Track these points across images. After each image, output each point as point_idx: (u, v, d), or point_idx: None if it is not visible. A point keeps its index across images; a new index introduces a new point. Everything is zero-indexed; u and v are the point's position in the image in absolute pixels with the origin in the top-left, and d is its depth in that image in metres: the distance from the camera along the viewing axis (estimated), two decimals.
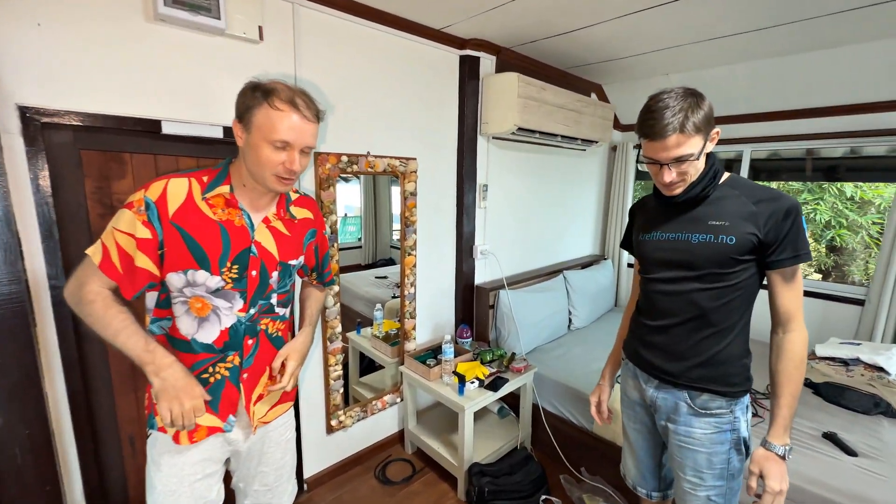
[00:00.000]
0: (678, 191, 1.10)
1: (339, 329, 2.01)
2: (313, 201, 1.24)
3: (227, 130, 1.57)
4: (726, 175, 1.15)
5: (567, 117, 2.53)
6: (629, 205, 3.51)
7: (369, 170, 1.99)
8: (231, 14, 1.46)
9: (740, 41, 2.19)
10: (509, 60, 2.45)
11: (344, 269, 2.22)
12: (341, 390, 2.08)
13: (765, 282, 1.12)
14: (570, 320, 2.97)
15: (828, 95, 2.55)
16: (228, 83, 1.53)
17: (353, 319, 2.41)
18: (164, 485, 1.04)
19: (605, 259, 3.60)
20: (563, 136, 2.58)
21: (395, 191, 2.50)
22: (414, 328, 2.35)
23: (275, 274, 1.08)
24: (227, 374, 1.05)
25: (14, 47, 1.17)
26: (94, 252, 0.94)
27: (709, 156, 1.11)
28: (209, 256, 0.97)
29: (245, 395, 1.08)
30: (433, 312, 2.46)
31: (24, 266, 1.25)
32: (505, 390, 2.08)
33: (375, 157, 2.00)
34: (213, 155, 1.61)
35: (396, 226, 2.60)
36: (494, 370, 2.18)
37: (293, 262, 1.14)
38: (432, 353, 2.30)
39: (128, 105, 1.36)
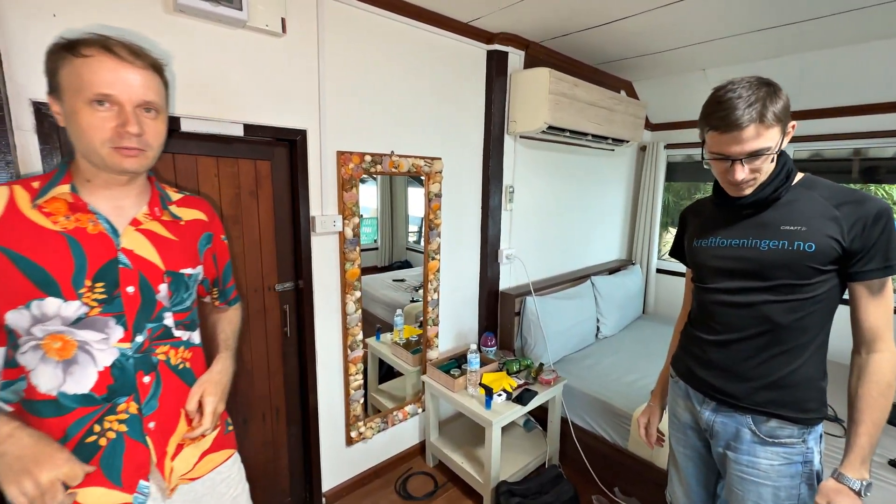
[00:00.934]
0: (748, 191, 0.98)
1: (360, 337, 1.92)
2: (205, 201, 1.03)
3: (249, 128, 1.49)
4: (800, 175, 1.02)
5: (599, 115, 2.40)
6: (659, 207, 3.36)
7: (393, 170, 1.90)
8: (253, 5, 1.38)
9: (784, 33, 2.04)
10: (538, 56, 2.34)
11: (362, 272, 2.14)
12: (361, 401, 1.99)
13: (846, 295, 0.99)
14: (598, 328, 2.84)
15: (881, 91, 2.37)
16: (250, 78, 1.46)
17: (372, 324, 2.32)
18: None
19: (633, 264, 3.45)
20: (593, 136, 2.46)
21: (412, 192, 2.41)
22: (437, 336, 2.25)
23: (163, 287, 0.86)
24: (123, 428, 0.81)
25: (28, 39, 1.10)
26: None
27: (780, 154, 0.99)
28: (56, 278, 0.75)
29: (157, 449, 0.85)
30: (456, 319, 2.36)
31: None
32: (534, 404, 1.96)
33: (399, 156, 1.91)
34: (235, 154, 1.54)
35: (412, 227, 2.51)
36: (522, 382, 2.07)
37: (189, 271, 0.91)
38: (456, 363, 2.20)
39: None
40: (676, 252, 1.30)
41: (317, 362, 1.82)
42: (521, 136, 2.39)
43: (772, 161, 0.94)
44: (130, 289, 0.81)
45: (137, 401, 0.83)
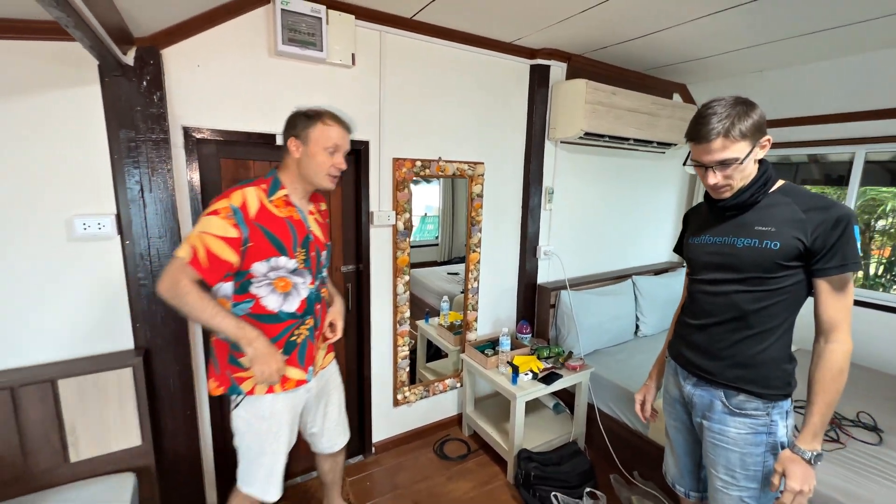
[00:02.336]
0: (726, 195, 1.14)
1: (407, 314, 2.27)
2: (322, 195, 1.52)
3: None
4: (780, 183, 1.15)
5: (640, 121, 2.51)
6: None
7: (440, 173, 2.21)
8: (331, 45, 1.78)
9: (849, 32, 2.01)
10: (581, 66, 2.51)
11: (421, 265, 2.50)
12: (407, 369, 2.34)
13: None
14: (637, 326, 2.92)
15: None
16: (325, 100, 1.85)
17: (423, 310, 2.66)
18: (268, 429, 1.31)
19: (682, 267, 3.43)
20: (635, 140, 2.57)
21: None
22: (476, 320, 2.53)
23: (324, 253, 1.41)
24: (307, 333, 1.36)
25: (182, 83, 1.58)
26: (184, 253, 1.14)
27: (761, 163, 1.13)
28: (285, 245, 1.26)
29: (318, 345, 1.44)
30: (495, 307, 2.62)
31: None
32: (558, 385, 2.17)
33: (445, 161, 2.22)
34: None
35: None
36: (550, 366, 2.28)
37: (329, 244, 1.46)
38: (491, 345, 2.46)
39: (253, 123, 1.73)
40: (679, 248, 1.46)
41: (371, 333, 2.20)
42: (561, 142, 2.58)
43: (747, 168, 1.09)
44: (313, 253, 1.34)
45: (315, 319, 1.39)
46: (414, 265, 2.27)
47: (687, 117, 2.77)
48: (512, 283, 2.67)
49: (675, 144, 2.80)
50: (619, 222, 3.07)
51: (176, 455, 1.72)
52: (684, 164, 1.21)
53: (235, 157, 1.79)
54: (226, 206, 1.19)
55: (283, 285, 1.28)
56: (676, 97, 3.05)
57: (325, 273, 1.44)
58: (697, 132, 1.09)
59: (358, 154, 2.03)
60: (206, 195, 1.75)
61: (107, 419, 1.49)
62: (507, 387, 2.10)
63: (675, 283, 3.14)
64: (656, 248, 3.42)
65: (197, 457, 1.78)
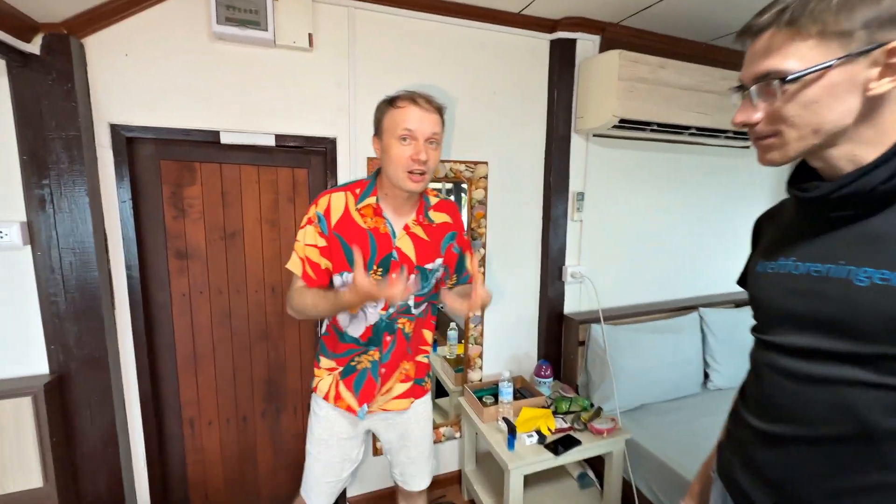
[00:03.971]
0: (775, 158, 0.62)
1: None
2: (453, 205, 1.30)
3: (279, 138, 1.61)
4: None
5: (701, 102, 1.89)
6: None
7: None
8: (280, 25, 1.50)
9: None
10: (619, 39, 1.97)
11: None
12: None
13: None
14: (705, 375, 2.20)
15: None
16: (278, 92, 1.58)
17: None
18: (319, 433, 1.28)
19: None
20: (697, 129, 1.94)
21: None
22: (480, 356, 2.06)
23: (412, 277, 1.18)
24: (368, 365, 1.22)
25: (108, 75, 1.40)
26: (294, 267, 1.17)
27: None
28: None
29: (381, 385, 1.24)
30: (509, 341, 2.12)
31: (108, 258, 1.48)
32: (572, 456, 1.61)
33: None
34: (274, 163, 1.69)
35: None
36: (567, 426, 1.72)
37: (430, 266, 1.21)
38: (496, 388, 1.96)
39: (195, 119, 1.51)
40: (744, 279, 0.89)
41: None
42: (593, 135, 2.04)
43: (830, 104, 0.54)
44: (394, 275, 1.09)
45: (380, 352, 1.22)
46: None
47: None
48: (531, 311, 2.14)
49: None
50: (678, 238, 2.38)
51: (96, 498, 1.50)
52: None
53: (178, 159, 1.58)
54: (314, 213, 1.15)
55: None
56: None
57: (409, 300, 1.21)
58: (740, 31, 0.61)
59: (323, 154, 1.72)
60: (145, 201, 1.55)
61: (1, 455, 1.31)
62: (500, 452, 1.59)
63: None
64: (734, 273, 2.61)
65: (120, 499, 1.54)
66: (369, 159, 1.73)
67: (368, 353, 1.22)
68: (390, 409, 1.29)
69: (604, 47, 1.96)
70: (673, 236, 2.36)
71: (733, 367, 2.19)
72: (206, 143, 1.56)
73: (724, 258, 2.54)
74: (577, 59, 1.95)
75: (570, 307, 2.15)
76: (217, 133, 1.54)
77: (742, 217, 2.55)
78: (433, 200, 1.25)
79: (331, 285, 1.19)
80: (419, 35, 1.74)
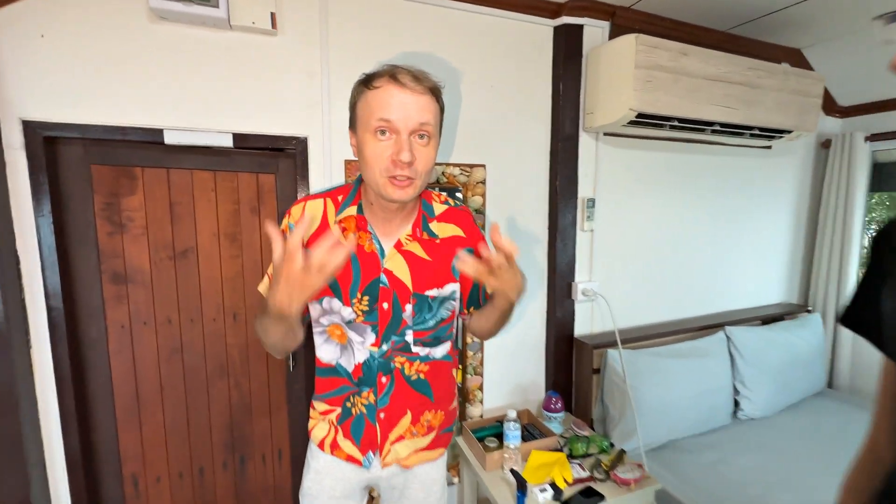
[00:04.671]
0: None
1: None
2: (465, 213, 1.01)
3: (238, 138, 1.36)
4: None
5: (728, 95, 1.66)
6: (857, 229, 2.24)
7: None
8: (235, 2, 1.25)
9: None
10: (630, 25, 1.75)
11: None
12: None
13: None
14: (735, 403, 1.94)
15: None
16: (236, 84, 1.32)
17: None
18: (308, 487, 1.04)
19: (807, 311, 2.35)
20: (721, 125, 1.72)
21: None
22: (480, 387, 1.78)
23: (408, 307, 0.93)
24: (363, 410, 0.98)
25: (19, 59, 1.14)
26: (263, 287, 0.98)
27: None
28: (340, 286, 0.91)
29: (381, 434, 0.99)
30: (512, 369, 1.85)
31: (20, 285, 1.20)
32: None
33: None
34: (234, 167, 1.43)
35: None
36: (586, 475, 1.45)
37: (433, 293, 0.95)
38: (500, 427, 1.69)
39: (132, 114, 1.25)
40: (857, 315, 0.63)
41: None
42: (604, 133, 1.80)
43: None
44: (385, 305, 0.92)
45: (375, 393, 0.96)
46: None
47: (807, 90, 1.85)
48: (536, 335, 1.88)
49: (790, 132, 1.87)
50: (697, 248, 2.14)
51: None
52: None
53: (114, 163, 1.31)
54: (285, 224, 0.94)
55: (339, 335, 0.95)
56: (785, 66, 2.11)
57: (407, 336, 0.95)
58: None
59: (293, 157, 1.46)
60: (72, 216, 1.28)
61: None
62: None
63: (796, 339, 2.10)
64: (765, 286, 2.39)
65: None
66: (347, 162, 1.48)
67: (362, 394, 0.97)
68: (412, 465, 1.03)
69: (613, 34, 1.74)
70: (691, 246, 2.12)
71: (765, 394, 1.94)
72: (147, 144, 1.30)
73: (746, 269, 2.30)
74: (585, 49, 1.72)
75: (580, 329, 1.89)
76: (160, 132, 1.28)
77: (764, 224, 2.32)
78: (438, 209, 0.98)
79: (309, 316, 0.96)
80: (405, 18, 1.50)
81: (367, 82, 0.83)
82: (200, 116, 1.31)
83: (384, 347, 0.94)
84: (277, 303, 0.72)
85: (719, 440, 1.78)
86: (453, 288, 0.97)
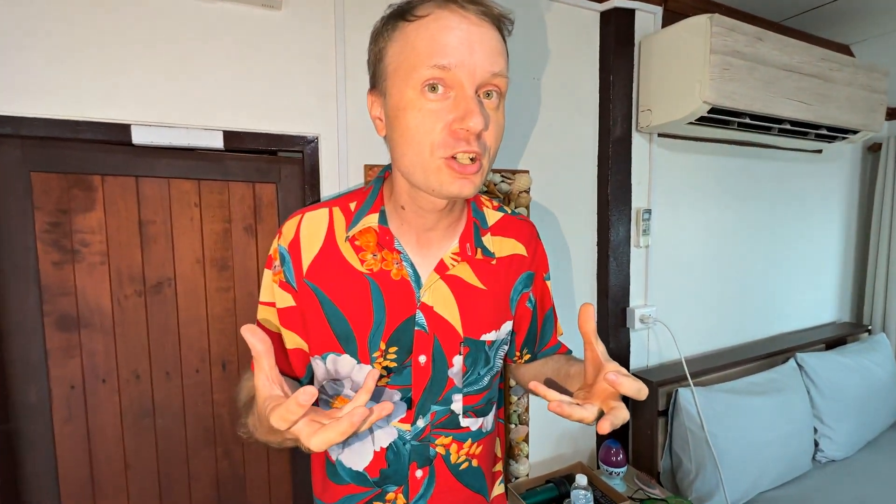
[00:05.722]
0: None
1: None
2: (528, 225, 0.77)
3: (230, 137, 1.06)
4: None
5: (802, 88, 1.45)
6: None
7: None
8: None
9: None
10: (685, 12, 1.53)
11: None
12: None
13: None
14: (815, 444, 1.67)
15: None
16: (229, 69, 1.03)
17: None
18: None
19: (866, 332, 2.13)
20: (792, 123, 1.50)
21: None
22: (526, 439, 1.47)
23: (457, 360, 0.66)
24: None
25: None
26: (261, 316, 0.70)
27: None
28: (355, 333, 0.63)
29: None
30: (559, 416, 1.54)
31: None
32: None
33: None
34: (224, 175, 1.12)
35: None
36: None
37: (491, 337, 0.69)
38: (555, 489, 1.38)
39: (89, 105, 0.94)
40: None
41: None
42: (659, 135, 1.57)
43: None
44: (422, 358, 0.65)
45: (406, 495, 0.68)
46: None
47: (875, 85, 1.65)
48: None
49: (855, 132, 1.67)
50: (756, 262, 1.91)
51: None
52: None
53: (64, 170, 0.99)
54: (274, 248, 0.67)
55: None
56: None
57: (455, 403, 0.67)
58: None
59: (300, 161, 1.17)
60: (1, 238, 0.95)
61: None
62: None
63: (869, 363, 1.86)
64: (814, 303, 2.16)
65: None
66: (368, 168, 1.19)
67: (385, 499, 0.67)
68: None
69: (666, 22, 1.52)
70: (748, 261, 1.88)
71: (845, 431, 1.69)
72: (110, 145, 0.99)
73: (799, 285, 2.07)
74: (637, 38, 1.49)
75: (636, 362, 1.61)
76: (127, 128, 0.97)
77: (815, 235, 2.11)
78: (491, 217, 0.72)
79: (308, 377, 0.70)
80: None
81: (402, 13, 0.54)
82: (180, 109, 1.00)
83: (420, 424, 0.66)
84: (265, 428, 0.52)
85: (806, 490, 1.51)
86: (510, 328, 0.73)
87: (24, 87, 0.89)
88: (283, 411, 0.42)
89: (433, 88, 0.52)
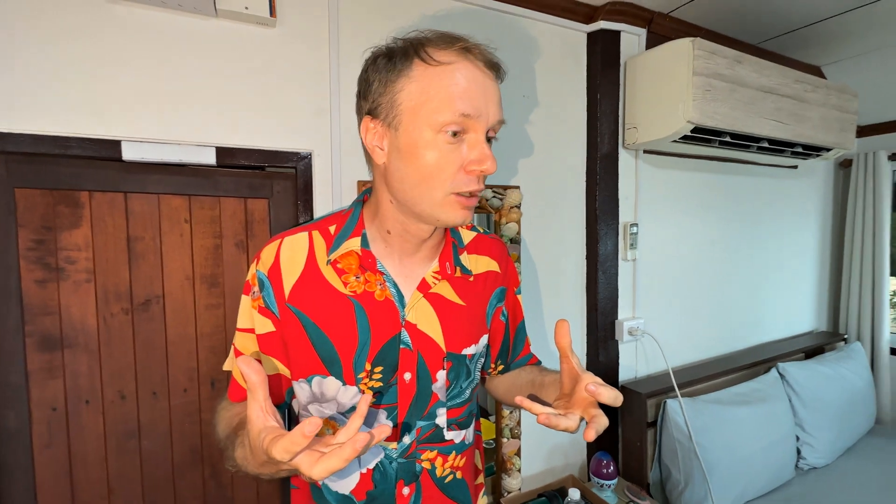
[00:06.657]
0: None
1: None
2: (498, 242, 0.81)
3: (223, 153, 1.05)
4: None
5: (779, 108, 1.51)
6: (886, 251, 2.13)
7: None
8: None
9: None
10: (667, 35, 1.59)
11: None
12: None
13: None
14: (797, 452, 1.71)
15: None
16: (221, 85, 1.03)
17: None
18: None
19: (843, 340, 2.21)
20: (770, 142, 1.56)
21: None
22: (517, 453, 1.47)
23: (441, 375, 0.68)
24: None
25: None
26: (229, 366, 0.72)
27: None
28: (340, 355, 0.64)
29: None
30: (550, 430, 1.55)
31: None
32: None
33: None
34: (215, 191, 1.11)
35: None
36: None
37: (471, 350, 0.71)
38: (547, 502, 1.38)
39: (78, 120, 0.92)
40: None
41: None
42: (645, 151, 1.61)
43: None
44: (407, 375, 0.66)
45: None
46: None
47: (847, 107, 1.74)
48: None
49: (828, 150, 1.75)
50: (736, 274, 1.96)
51: None
52: None
53: (50, 186, 0.96)
54: (253, 273, 0.67)
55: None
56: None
57: (439, 417, 0.69)
58: None
59: (293, 178, 1.17)
60: None
61: None
62: None
63: (847, 371, 1.92)
64: (791, 313, 2.23)
65: None
66: (361, 184, 1.19)
67: None
68: None
69: (650, 43, 1.57)
70: (728, 273, 1.93)
71: (826, 439, 1.74)
72: (98, 161, 0.97)
73: (777, 296, 2.14)
74: (623, 58, 1.54)
75: (625, 374, 1.63)
76: (117, 144, 0.96)
77: (792, 247, 2.18)
78: (466, 236, 0.76)
79: (288, 403, 0.72)
80: (429, 13, 1.26)
81: (417, 51, 0.57)
82: (172, 125, 1.00)
83: (406, 441, 0.67)
84: (255, 461, 0.52)
85: (791, 499, 1.54)
86: (486, 341, 0.76)
87: (11, 102, 0.87)
88: (286, 443, 0.42)
89: (454, 133, 0.57)
